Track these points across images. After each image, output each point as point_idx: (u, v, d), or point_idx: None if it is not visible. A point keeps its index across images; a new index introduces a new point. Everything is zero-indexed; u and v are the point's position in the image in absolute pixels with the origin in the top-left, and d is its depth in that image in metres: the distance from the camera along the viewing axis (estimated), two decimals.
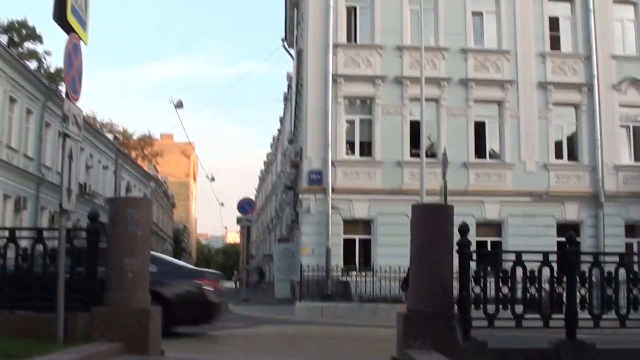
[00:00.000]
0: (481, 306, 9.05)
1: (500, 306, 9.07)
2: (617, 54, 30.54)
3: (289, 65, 50.77)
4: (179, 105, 39.50)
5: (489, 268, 9.37)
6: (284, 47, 39.94)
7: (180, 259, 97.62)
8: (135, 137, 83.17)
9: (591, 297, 9.37)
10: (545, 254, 9.44)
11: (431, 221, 9.20)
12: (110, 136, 61.07)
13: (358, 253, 28.32)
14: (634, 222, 29.28)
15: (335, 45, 28.87)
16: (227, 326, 17.06)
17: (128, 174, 64.24)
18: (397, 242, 26.27)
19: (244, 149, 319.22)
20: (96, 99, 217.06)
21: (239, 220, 35.30)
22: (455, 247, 9.14)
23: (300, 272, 25.44)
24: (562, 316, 9.20)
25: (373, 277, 25.46)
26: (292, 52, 38.94)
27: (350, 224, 28.41)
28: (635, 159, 30.28)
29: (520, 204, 28.52)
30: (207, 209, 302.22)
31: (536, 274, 9.18)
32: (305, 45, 29.69)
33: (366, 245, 28.47)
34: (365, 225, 28.54)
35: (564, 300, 9.28)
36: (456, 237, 9.14)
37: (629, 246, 28.75)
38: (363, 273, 26.32)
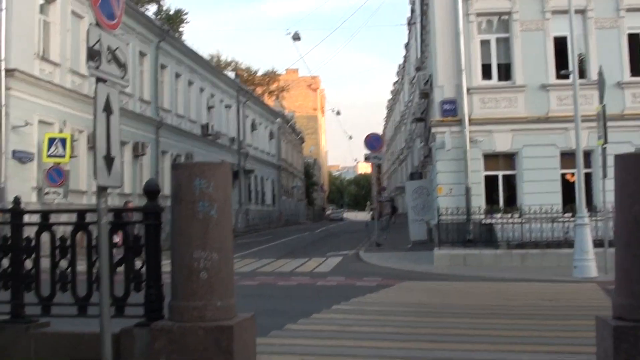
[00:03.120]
0: None
1: None
2: None
3: None
4: (296, 37, 37.59)
5: None
6: None
7: (312, 193, 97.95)
8: (259, 74, 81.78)
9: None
10: None
11: None
12: (232, 74, 59.31)
13: (502, 191, 24.94)
14: None
15: None
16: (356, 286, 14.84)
17: (253, 111, 62.57)
18: (545, 176, 24.11)
19: (371, 79, 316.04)
20: (220, 38, 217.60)
21: (367, 158, 32.57)
22: None
23: (438, 215, 22.71)
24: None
25: (520, 218, 22.39)
26: None
27: (492, 159, 24.99)
28: None
29: None
30: (338, 141, 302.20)
31: None
32: None
33: (510, 182, 25.08)
34: (509, 159, 25.04)
35: None
36: None
37: None
38: (508, 215, 23.19)
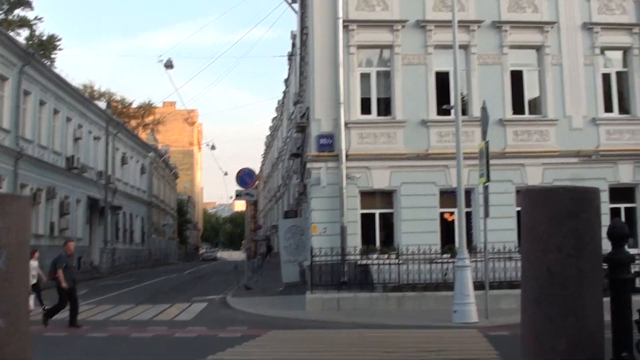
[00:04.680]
0: None
1: None
2: None
3: (294, 24, 46.68)
4: (169, 64, 35.84)
5: None
6: (286, 1, 35.44)
7: (185, 231, 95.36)
8: (134, 106, 79.18)
9: None
10: None
11: (568, 217, 5.11)
12: (103, 105, 56.65)
13: (379, 231, 23.81)
14: None
15: None
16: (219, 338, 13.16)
17: (124, 144, 60.06)
18: (424, 215, 23.27)
19: (251, 114, 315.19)
20: (96, 69, 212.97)
21: (238, 195, 30.92)
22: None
23: (311, 255, 21.32)
24: None
25: (398, 259, 21.38)
26: (296, 6, 34.49)
27: (369, 197, 23.87)
28: None
29: (566, 166, 24.02)
30: (214, 177, 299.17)
31: None
32: None
33: (388, 221, 24.00)
34: (387, 197, 24.00)
35: None
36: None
37: None
38: (385, 255, 22.16)
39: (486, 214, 18.09)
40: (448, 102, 22.42)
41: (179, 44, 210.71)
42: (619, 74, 25.93)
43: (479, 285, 17.96)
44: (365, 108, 24.29)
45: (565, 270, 4.92)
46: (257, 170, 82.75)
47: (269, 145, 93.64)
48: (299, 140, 33.17)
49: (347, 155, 23.39)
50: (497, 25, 24.69)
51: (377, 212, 23.92)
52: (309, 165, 24.29)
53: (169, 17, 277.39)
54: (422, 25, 24.28)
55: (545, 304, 4.94)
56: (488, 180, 17.91)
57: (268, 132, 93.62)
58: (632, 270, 5.21)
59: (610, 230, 5.19)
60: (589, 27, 25.22)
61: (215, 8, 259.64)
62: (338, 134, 23.42)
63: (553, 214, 5.02)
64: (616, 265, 5.11)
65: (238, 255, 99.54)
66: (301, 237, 29.20)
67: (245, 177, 30.64)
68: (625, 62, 25.90)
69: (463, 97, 24.10)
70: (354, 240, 22.93)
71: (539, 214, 5.12)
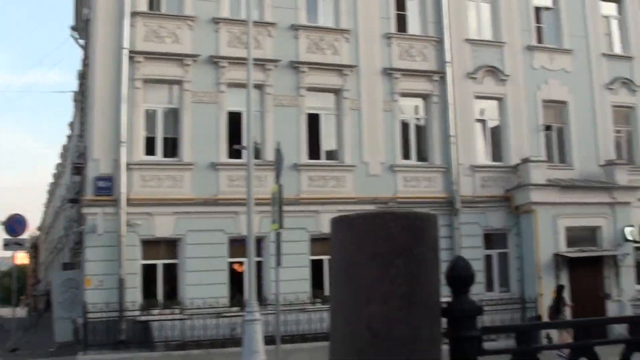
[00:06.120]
0: None
1: None
2: (472, 38, 27.86)
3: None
4: None
5: None
6: (72, 37, 33.88)
7: None
8: None
9: None
10: None
11: (397, 255, 3.75)
12: None
13: (162, 283, 22.78)
14: (493, 230, 26.74)
15: (134, 14, 23.29)
16: None
17: None
18: (212, 266, 22.51)
19: (31, 161, 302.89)
20: None
21: (6, 244, 28.78)
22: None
23: (84, 311, 20.08)
24: None
25: (182, 314, 20.85)
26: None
27: (151, 246, 22.81)
28: (494, 158, 27.66)
29: None
30: None
31: None
32: (93, 13, 23.77)
33: (172, 272, 23.02)
34: (171, 246, 23.07)
35: None
36: None
37: (487, 258, 26.49)
38: (168, 310, 21.28)
39: (278, 263, 17.74)
40: (243, 141, 22.03)
41: None
42: (418, 120, 26.70)
43: (270, 340, 17.65)
44: (150, 148, 23.41)
45: (393, 328, 3.63)
46: (38, 221, 79.12)
47: (52, 193, 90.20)
48: (77, 184, 31.65)
49: (128, 200, 22.32)
50: (295, 66, 24.74)
51: (160, 262, 22.94)
52: (84, 210, 22.96)
53: None
54: (215, 61, 23.84)
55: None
56: (281, 226, 17.63)
57: (52, 179, 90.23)
58: (479, 326, 3.88)
59: (450, 272, 3.92)
60: (389, 72, 25.96)
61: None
62: (118, 176, 22.33)
63: (378, 249, 3.73)
64: (457, 319, 3.84)
65: (19, 312, 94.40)
66: (76, 291, 27.59)
67: (14, 224, 28.59)
68: (424, 109, 26.71)
69: (256, 142, 23.78)
70: (134, 294, 21.86)
71: (358, 249, 3.79)
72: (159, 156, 23.47)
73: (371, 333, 3.63)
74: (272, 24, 24.71)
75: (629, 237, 26.85)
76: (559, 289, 23.67)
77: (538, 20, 29.30)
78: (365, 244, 3.74)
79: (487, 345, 3.82)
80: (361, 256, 3.74)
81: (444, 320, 3.81)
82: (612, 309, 25.99)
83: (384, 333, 3.62)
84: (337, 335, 3.89)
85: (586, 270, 26.15)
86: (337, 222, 3.95)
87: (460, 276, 3.90)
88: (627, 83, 30.00)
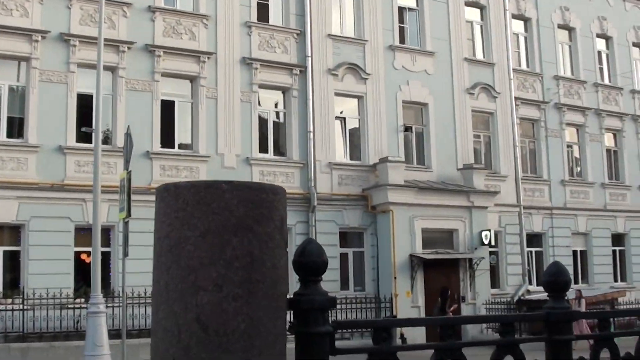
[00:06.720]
0: None
1: None
2: (334, 33, 28.16)
3: None
4: None
5: None
6: None
7: None
8: None
9: None
10: None
11: (235, 233, 3.20)
12: None
13: (2, 272, 21.80)
14: (350, 228, 27.19)
15: None
16: None
17: None
18: (57, 255, 21.61)
19: None
20: None
21: None
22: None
23: None
24: None
25: (23, 304, 20.06)
26: None
27: None
28: (352, 157, 28.10)
29: None
30: None
31: None
32: None
33: (14, 260, 22.17)
34: (14, 232, 22.22)
35: None
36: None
37: (343, 256, 26.74)
38: (9, 300, 20.56)
39: (125, 254, 17.38)
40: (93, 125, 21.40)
41: None
42: (277, 114, 26.78)
43: (115, 334, 17.35)
44: None
45: (227, 321, 3.12)
46: None
47: None
48: None
49: None
50: (150, 50, 24.30)
51: (1, 249, 22.02)
52: None
53: None
54: (65, 39, 23.04)
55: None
56: (129, 215, 17.13)
57: None
58: (330, 320, 3.46)
59: (299, 257, 3.45)
60: (248, 62, 25.86)
61: None
62: None
63: (212, 225, 3.18)
64: (306, 312, 3.40)
65: None
66: None
67: None
68: (284, 103, 26.85)
69: (108, 127, 23.22)
70: None
71: (186, 224, 3.22)
72: (2, 136, 22.40)
73: (201, 327, 3.14)
74: (127, 4, 24.05)
75: (485, 241, 27.73)
76: (444, 291, 24.17)
77: (402, 20, 29.87)
78: (195, 218, 3.20)
79: (340, 344, 3.48)
80: (189, 233, 3.20)
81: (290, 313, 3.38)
82: (466, 312, 26.70)
83: (216, 327, 3.14)
84: (159, 329, 3.28)
85: (441, 272, 26.77)
86: (161, 192, 3.34)
87: (311, 262, 3.42)
88: (488, 89, 31.02)
